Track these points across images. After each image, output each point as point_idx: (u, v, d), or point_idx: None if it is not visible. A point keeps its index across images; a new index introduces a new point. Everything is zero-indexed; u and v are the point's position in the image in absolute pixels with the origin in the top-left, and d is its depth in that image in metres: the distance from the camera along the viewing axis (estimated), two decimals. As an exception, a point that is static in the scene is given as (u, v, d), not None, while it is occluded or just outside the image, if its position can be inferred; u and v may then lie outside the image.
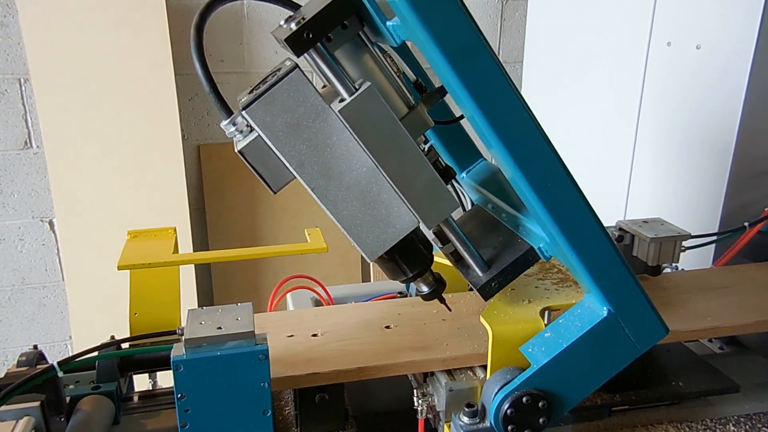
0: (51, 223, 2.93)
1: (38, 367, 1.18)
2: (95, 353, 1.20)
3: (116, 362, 1.28)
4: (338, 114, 0.90)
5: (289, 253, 1.38)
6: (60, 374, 1.06)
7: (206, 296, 3.16)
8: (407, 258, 1.05)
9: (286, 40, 0.87)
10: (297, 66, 0.90)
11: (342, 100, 0.91)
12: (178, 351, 0.97)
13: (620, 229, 1.48)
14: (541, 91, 2.70)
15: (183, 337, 0.97)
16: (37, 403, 1.04)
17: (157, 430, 1.27)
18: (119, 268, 1.32)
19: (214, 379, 0.96)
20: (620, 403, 1.25)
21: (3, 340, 3.02)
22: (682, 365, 1.36)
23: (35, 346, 1.31)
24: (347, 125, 0.91)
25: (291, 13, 1.04)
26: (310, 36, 0.88)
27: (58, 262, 2.97)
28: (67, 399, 1.18)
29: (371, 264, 3.27)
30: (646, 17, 2.09)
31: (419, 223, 1.00)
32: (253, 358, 0.97)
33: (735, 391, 1.30)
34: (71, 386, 1.26)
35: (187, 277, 2.89)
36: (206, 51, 2.94)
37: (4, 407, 1.03)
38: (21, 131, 2.79)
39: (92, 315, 2.86)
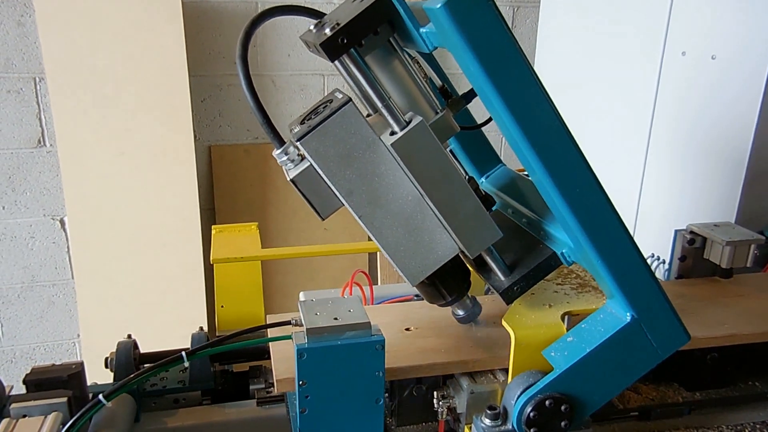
0: (62, 222, 2.94)
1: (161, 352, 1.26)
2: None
3: (208, 357, 1.33)
4: (389, 147, 0.93)
5: (365, 251, 1.45)
6: (186, 363, 1.13)
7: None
8: (447, 283, 1.09)
9: (321, 44, 0.89)
10: (350, 99, 0.92)
11: (393, 133, 0.93)
12: (300, 340, 1.00)
13: (691, 232, 1.50)
14: (553, 99, 2.70)
15: (304, 327, 1.01)
16: (64, 399, 1.05)
17: (176, 428, 1.29)
18: (213, 261, 1.41)
19: (334, 367, 1.00)
20: (700, 401, 1.30)
21: (12, 337, 3.03)
22: (757, 365, 1.37)
23: (129, 336, 1.35)
24: (397, 158, 0.94)
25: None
26: (345, 41, 0.89)
27: (68, 260, 2.99)
28: (90, 396, 1.20)
29: (379, 267, 3.28)
30: (660, 26, 2.10)
31: (460, 249, 1.02)
32: (370, 348, 1.01)
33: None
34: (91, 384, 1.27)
35: (196, 276, 2.91)
36: (220, 53, 2.95)
37: (32, 402, 1.04)
38: (35, 130, 2.81)
39: (101, 313, 2.87)
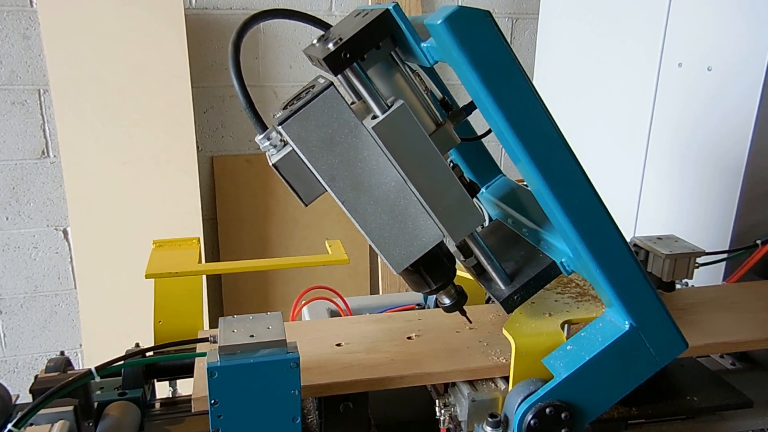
0: (65, 232, 2.96)
1: (70, 371, 1.21)
2: (122, 360, 1.21)
3: (141, 369, 1.30)
4: (371, 131, 0.94)
5: (311, 265, 1.41)
6: (97, 378, 1.09)
7: (217, 306, 3.18)
8: (432, 270, 1.08)
9: (325, 59, 0.91)
10: (332, 84, 0.93)
11: (374, 117, 0.94)
12: (212, 358, 0.99)
13: (635, 245, 1.50)
14: (551, 110, 2.71)
15: (217, 345, 1.00)
16: (70, 408, 1.07)
17: (181, 437, 1.29)
18: (147, 276, 1.35)
19: (247, 386, 0.99)
20: (637, 416, 1.27)
21: (14, 347, 3.04)
22: (696, 380, 1.38)
23: (62, 352, 1.33)
24: (379, 142, 0.95)
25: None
26: (348, 56, 0.92)
27: (71, 270, 3.00)
28: (95, 404, 1.21)
29: (380, 276, 3.29)
30: (657, 38, 2.13)
31: (444, 236, 1.03)
32: (285, 366, 0.99)
33: (749, 407, 1.31)
34: (97, 392, 1.28)
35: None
36: (222, 65, 2.98)
37: (39, 411, 1.05)
38: (39, 141, 2.84)
39: (103, 323, 2.88)
